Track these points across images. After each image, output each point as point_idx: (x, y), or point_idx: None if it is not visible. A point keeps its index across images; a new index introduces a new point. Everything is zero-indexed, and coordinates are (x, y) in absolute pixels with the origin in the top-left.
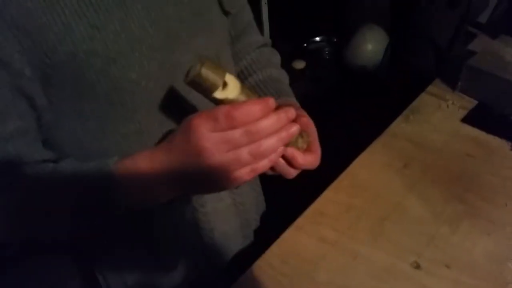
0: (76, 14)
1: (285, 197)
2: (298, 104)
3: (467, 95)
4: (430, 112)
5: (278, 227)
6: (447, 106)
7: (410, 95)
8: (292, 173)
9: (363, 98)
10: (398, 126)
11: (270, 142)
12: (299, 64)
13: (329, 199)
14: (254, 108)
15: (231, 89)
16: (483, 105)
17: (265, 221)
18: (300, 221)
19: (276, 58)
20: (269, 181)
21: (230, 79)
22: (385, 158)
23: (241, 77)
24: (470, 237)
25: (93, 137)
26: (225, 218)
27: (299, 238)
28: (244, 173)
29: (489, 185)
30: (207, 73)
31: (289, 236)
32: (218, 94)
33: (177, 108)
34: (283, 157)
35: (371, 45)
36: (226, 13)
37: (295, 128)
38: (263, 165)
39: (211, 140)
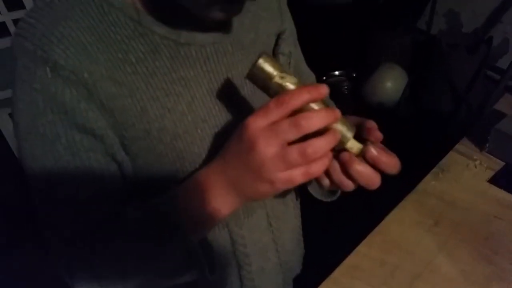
0: (151, 99)
1: (322, 248)
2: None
3: (495, 156)
4: (458, 171)
5: (314, 277)
6: (475, 166)
7: (428, 135)
8: (374, 180)
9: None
10: (428, 183)
11: (318, 144)
12: None
13: (363, 254)
14: (304, 90)
15: (288, 80)
16: (510, 167)
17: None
18: (336, 274)
19: None
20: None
21: (287, 73)
22: (416, 215)
23: None
24: None
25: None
26: (269, 277)
27: None
28: (296, 174)
29: None
30: (264, 64)
31: None
32: (275, 84)
33: None
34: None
35: (390, 83)
36: None
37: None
38: (316, 169)
39: (262, 134)
